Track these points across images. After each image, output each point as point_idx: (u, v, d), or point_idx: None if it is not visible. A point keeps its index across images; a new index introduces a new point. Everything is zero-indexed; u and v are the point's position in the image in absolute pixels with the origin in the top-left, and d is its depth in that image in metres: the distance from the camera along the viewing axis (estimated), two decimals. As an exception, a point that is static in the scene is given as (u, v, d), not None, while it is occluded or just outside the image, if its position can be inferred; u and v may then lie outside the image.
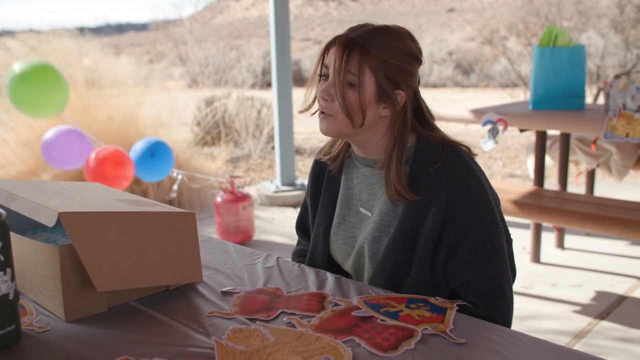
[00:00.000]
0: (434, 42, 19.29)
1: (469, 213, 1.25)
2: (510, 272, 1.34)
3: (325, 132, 1.33)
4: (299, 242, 1.67)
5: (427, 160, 1.29)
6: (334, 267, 1.48)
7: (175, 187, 4.26)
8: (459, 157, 1.30)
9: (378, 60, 1.25)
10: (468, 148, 1.36)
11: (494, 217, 1.28)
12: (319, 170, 1.52)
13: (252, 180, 5.99)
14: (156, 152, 3.82)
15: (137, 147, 3.88)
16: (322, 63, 1.32)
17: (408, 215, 1.29)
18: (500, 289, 1.29)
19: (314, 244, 1.49)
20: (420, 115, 1.35)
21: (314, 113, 1.38)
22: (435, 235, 1.26)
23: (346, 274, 1.48)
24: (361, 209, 1.41)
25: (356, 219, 1.42)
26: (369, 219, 1.38)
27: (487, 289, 1.27)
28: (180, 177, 4.27)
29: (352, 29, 1.30)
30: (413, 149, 1.32)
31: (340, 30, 1.35)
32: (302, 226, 1.63)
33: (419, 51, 1.32)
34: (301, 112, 1.40)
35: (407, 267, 1.30)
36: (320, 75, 1.33)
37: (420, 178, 1.29)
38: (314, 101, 1.37)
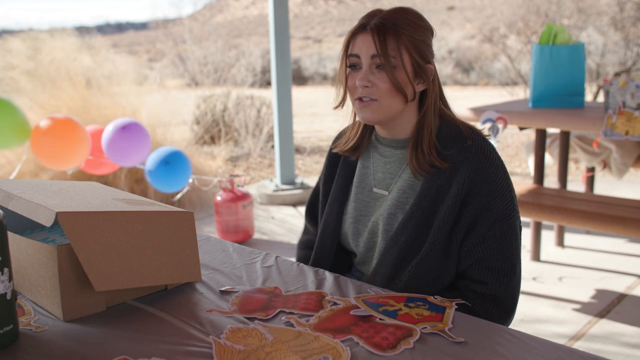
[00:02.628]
0: (434, 41, 19.27)
1: (490, 189, 1.28)
2: (520, 252, 1.36)
3: (370, 119, 1.34)
4: (306, 231, 1.67)
5: (451, 139, 1.34)
6: (341, 248, 1.50)
7: (180, 194, 4.29)
8: (482, 139, 1.34)
9: (409, 38, 1.30)
10: (484, 135, 1.39)
11: (512, 198, 1.32)
12: (335, 156, 1.54)
13: (251, 179, 5.99)
14: (171, 160, 3.76)
15: (152, 157, 3.84)
16: (348, 55, 1.34)
17: (427, 191, 1.32)
18: (511, 267, 1.31)
19: (326, 223, 1.50)
20: (440, 88, 1.40)
21: (336, 107, 1.41)
22: (455, 210, 1.29)
23: (350, 259, 1.50)
24: (375, 189, 1.43)
25: (369, 198, 1.44)
26: (385, 197, 1.41)
27: (499, 266, 1.30)
28: (190, 180, 4.28)
29: (370, 16, 1.33)
30: (437, 128, 1.37)
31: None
32: (311, 210, 1.64)
33: (430, 24, 1.38)
34: (335, 107, 1.42)
35: (421, 242, 1.32)
36: (348, 66, 1.34)
37: (443, 154, 1.32)
38: (345, 94, 1.39)
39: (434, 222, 1.31)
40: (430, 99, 1.36)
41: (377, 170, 1.44)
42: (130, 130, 3.64)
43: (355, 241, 1.46)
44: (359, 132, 1.47)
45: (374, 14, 1.33)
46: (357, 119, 1.45)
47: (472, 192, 1.28)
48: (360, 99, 1.33)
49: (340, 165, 1.52)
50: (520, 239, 1.38)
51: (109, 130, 3.64)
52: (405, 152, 1.39)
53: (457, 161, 1.31)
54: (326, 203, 1.52)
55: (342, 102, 1.41)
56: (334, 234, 1.49)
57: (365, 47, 1.30)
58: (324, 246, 1.49)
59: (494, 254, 1.30)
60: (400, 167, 1.40)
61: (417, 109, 1.38)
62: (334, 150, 1.53)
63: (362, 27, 1.32)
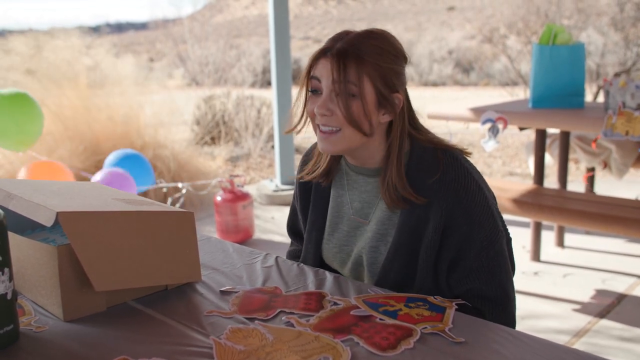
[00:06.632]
0: (434, 41, 19.29)
1: (470, 220, 1.23)
2: (511, 273, 1.33)
3: (331, 151, 1.27)
4: (292, 243, 1.65)
5: (423, 166, 1.27)
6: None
7: (179, 204, 4.31)
8: (455, 161, 1.27)
9: (373, 66, 1.21)
10: (461, 150, 1.32)
11: (494, 222, 1.26)
12: (305, 184, 1.47)
13: (251, 179, 5.99)
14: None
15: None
16: (310, 77, 1.26)
17: (406, 223, 1.27)
18: (505, 294, 1.28)
19: (306, 250, 1.47)
20: (411, 117, 1.32)
21: (299, 131, 1.33)
22: (436, 243, 1.25)
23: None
24: (353, 217, 1.38)
25: (349, 228, 1.39)
26: (365, 227, 1.36)
27: (493, 295, 1.26)
28: (184, 190, 4.30)
29: (336, 39, 1.25)
30: (408, 154, 1.30)
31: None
32: (293, 228, 1.61)
33: (403, 50, 1.29)
34: (287, 132, 1.35)
35: (411, 277, 1.28)
36: (310, 91, 1.27)
37: (417, 184, 1.26)
38: (301, 118, 1.32)
39: (419, 256, 1.27)
40: (395, 132, 1.27)
41: (354, 199, 1.38)
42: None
43: (342, 269, 1.42)
44: (328, 157, 1.39)
45: (340, 37, 1.24)
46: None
47: (451, 224, 1.23)
48: (320, 128, 1.26)
49: (313, 194, 1.45)
50: (511, 251, 1.35)
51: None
52: (378, 180, 1.32)
53: (432, 192, 1.24)
54: (305, 222, 1.49)
55: (297, 126, 1.33)
56: (314, 261, 1.45)
57: (326, 72, 1.22)
58: None
59: (484, 283, 1.26)
60: (377, 196, 1.33)
61: (384, 138, 1.30)
62: (301, 179, 1.46)
63: (323, 52, 1.24)
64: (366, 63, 1.21)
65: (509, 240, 1.36)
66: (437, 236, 1.24)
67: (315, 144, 1.43)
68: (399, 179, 1.26)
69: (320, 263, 1.46)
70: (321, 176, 1.41)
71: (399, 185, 1.26)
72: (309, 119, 1.31)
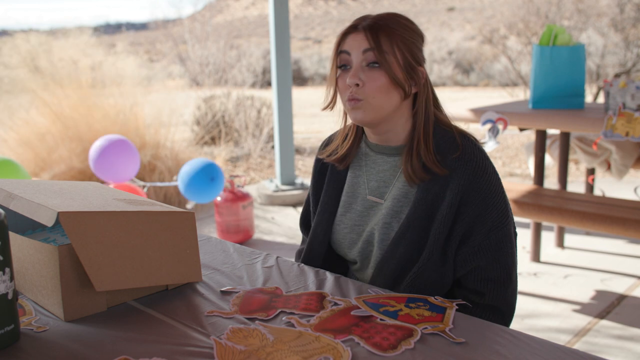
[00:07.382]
0: (434, 41, 19.28)
1: (484, 198, 1.28)
2: (516, 259, 1.36)
3: (361, 120, 1.32)
4: (303, 241, 1.65)
5: (445, 147, 1.32)
6: (332, 257, 1.47)
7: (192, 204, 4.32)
8: (473, 145, 1.33)
9: (402, 38, 1.29)
10: (477, 140, 1.38)
11: (506, 205, 1.31)
12: (323, 164, 1.51)
13: (252, 180, 5.99)
14: (215, 176, 3.82)
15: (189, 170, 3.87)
16: (339, 52, 1.32)
17: (423, 199, 1.30)
18: (507, 276, 1.31)
19: (314, 233, 1.47)
20: (433, 91, 1.39)
21: (332, 108, 1.39)
22: (450, 219, 1.28)
23: (344, 267, 1.48)
24: (369, 197, 1.41)
25: (362, 207, 1.41)
26: (380, 205, 1.38)
27: (495, 276, 1.30)
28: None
29: (362, 18, 1.32)
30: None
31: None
32: (305, 222, 1.62)
33: (422, 31, 1.38)
34: (324, 108, 1.40)
35: (418, 252, 1.30)
36: (338, 67, 1.33)
37: (437, 160, 1.31)
38: (334, 95, 1.38)
39: (431, 232, 1.29)
40: (421, 102, 1.34)
41: (371, 179, 1.41)
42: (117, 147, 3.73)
43: (351, 250, 1.43)
44: (350, 141, 1.44)
45: (365, 17, 1.32)
46: (349, 121, 1.43)
47: (466, 202, 1.27)
48: (350, 99, 1.31)
49: (329, 173, 1.48)
50: (516, 244, 1.38)
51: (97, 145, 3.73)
52: (398, 159, 1.37)
53: (450, 168, 1.29)
54: (316, 212, 1.50)
55: (331, 103, 1.39)
56: (322, 243, 1.46)
57: (357, 44, 1.29)
58: (312, 255, 1.46)
59: (490, 263, 1.29)
60: (395, 175, 1.38)
61: (410, 114, 1.36)
62: (320, 157, 1.50)
63: (353, 28, 1.31)
64: (396, 34, 1.29)
65: (515, 234, 1.38)
66: (451, 212, 1.28)
67: (337, 132, 1.50)
68: (426, 148, 1.31)
69: (328, 247, 1.46)
70: (339, 160, 1.46)
71: (423, 154, 1.31)
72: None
